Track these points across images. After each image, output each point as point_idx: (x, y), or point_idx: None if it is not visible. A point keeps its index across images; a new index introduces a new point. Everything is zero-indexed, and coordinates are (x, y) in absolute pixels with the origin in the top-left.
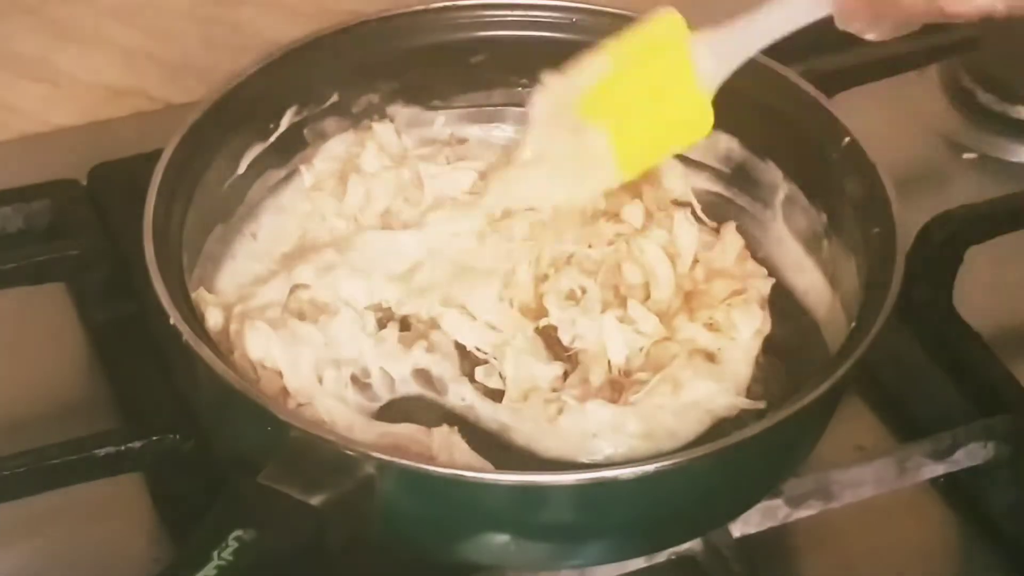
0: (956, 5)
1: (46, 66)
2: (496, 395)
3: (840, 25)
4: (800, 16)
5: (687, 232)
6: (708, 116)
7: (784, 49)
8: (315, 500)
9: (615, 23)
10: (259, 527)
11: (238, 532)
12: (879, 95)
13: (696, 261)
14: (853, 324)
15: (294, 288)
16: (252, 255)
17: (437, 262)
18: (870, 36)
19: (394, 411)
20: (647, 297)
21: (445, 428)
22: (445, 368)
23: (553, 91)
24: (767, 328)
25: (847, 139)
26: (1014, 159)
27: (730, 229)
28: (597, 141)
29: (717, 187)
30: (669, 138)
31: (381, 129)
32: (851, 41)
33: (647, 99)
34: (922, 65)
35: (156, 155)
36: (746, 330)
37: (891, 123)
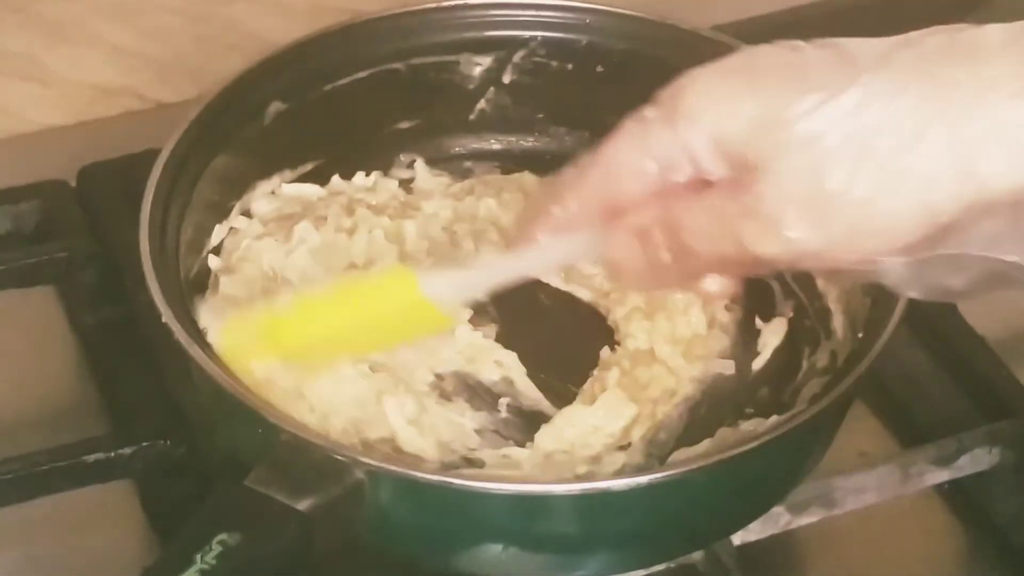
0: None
1: (34, 65)
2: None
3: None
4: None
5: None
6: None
7: None
8: (302, 505)
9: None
10: (243, 531)
11: (222, 536)
12: None
13: None
14: (860, 335)
15: None
16: None
17: None
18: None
19: None
20: None
21: None
22: None
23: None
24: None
25: None
26: None
27: None
28: None
29: None
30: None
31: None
32: None
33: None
34: None
35: (147, 155)
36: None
37: None
